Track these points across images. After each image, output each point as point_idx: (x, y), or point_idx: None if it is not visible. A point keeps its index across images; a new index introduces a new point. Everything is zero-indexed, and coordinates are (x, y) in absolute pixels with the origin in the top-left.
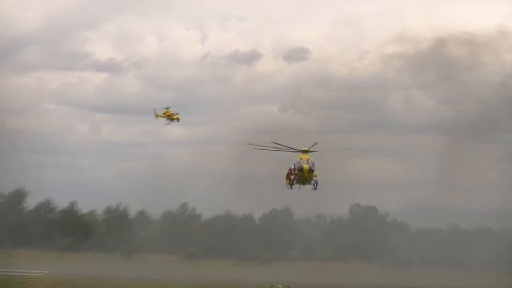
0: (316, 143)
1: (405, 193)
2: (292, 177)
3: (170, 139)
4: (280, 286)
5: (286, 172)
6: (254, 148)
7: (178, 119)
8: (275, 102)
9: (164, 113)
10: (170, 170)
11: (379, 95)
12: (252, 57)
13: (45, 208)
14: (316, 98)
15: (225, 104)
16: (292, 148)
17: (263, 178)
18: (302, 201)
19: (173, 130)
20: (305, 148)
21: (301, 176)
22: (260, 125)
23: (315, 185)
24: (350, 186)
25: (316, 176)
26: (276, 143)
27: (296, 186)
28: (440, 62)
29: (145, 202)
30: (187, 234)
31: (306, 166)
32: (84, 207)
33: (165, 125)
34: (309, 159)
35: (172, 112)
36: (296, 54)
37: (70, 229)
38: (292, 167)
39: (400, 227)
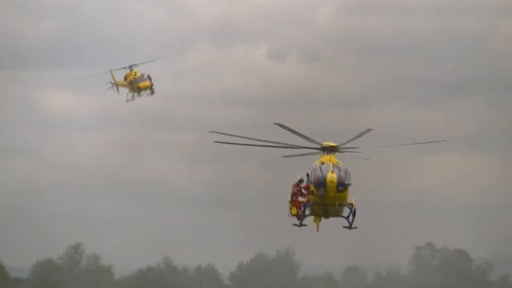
0: (369, 130)
1: None
2: (302, 201)
3: None
4: None
5: (289, 191)
6: (216, 142)
7: (150, 88)
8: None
9: (126, 78)
10: None
11: None
12: None
13: None
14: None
15: None
16: (308, 139)
17: (239, 201)
18: (314, 241)
19: None
20: (331, 144)
21: (321, 198)
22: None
23: (352, 218)
24: (407, 209)
25: (351, 200)
26: (282, 126)
27: (310, 221)
28: None
29: None
30: None
31: (332, 177)
32: None
33: (128, 100)
34: (338, 164)
35: (140, 75)
36: None
37: None
38: (300, 180)
39: None
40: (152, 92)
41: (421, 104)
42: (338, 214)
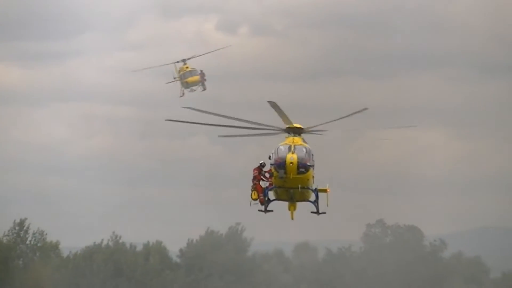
0: (365, 109)
1: (479, 197)
2: (265, 185)
3: None
4: None
5: (250, 175)
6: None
7: (200, 83)
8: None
9: (179, 72)
10: None
11: None
12: None
13: None
14: None
15: None
16: (271, 128)
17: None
18: (264, 218)
19: None
20: (296, 125)
21: (282, 180)
22: None
23: (317, 202)
24: (360, 185)
25: (315, 185)
26: (274, 105)
27: (277, 206)
28: None
29: None
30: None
31: (292, 157)
32: None
33: (180, 96)
34: (301, 145)
35: (189, 70)
36: None
37: None
38: (262, 165)
39: (470, 268)
40: (204, 88)
41: (376, 77)
42: (304, 198)
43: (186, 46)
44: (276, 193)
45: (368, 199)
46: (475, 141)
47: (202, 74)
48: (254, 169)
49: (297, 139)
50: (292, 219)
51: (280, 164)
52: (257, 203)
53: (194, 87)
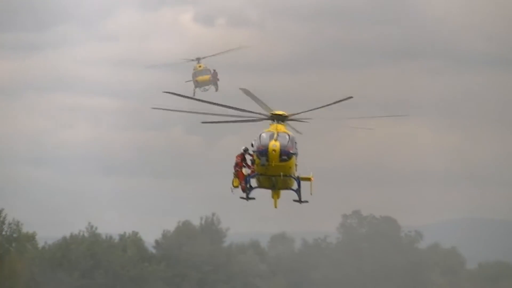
0: (350, 97)
1: (455, 188)
2: (247, 172)
3: None
4: None
5: (232, 161)
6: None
7: (212, 83)
8: None
9: (193, 70)
10: None
11: None
12: None
13: None
14: None
15: None
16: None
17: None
18: (240, 208)
19: None
20: (280, 112)
21: (264, 168)
22: None
23: (299, 190)
24: (339, 177)
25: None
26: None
27: (260, 194)
28: None
29: None
30: None
31: (274, 145)
32: None
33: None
34: (285, 132)
35: (201, 69)
36: None
37: None
38: (245, 150)
39: (446, 259)
40: (216, 88)
41: (353, 68)
42: (286, 186)
43: (163, 38)
44: (258, 181)
45: (344, 189)
46: (453, 133)
47: (214, 73)
48: (237, 156)
49: (281, 127)
50: (276, 207)
51: (262, 151)
52: (238, 191)
53: (206, 87)
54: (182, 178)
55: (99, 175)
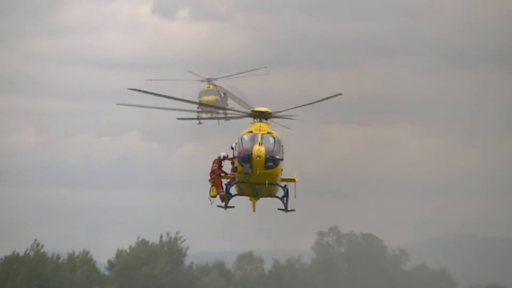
0: (339, 94)
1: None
2: (226, 179)
3: None
4: None
5: (209, 167)
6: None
7: (220, 104)
8: None
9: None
10: None
11: None
12: None
13: None
14: None
15: None
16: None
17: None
18: (203, 225)
19: None
20: (262, 109)
21: (248, 176)
22: None
23: (286, 199)
24: (313, 188)
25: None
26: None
27: (239, 203)
28: None
29: None
30: None
31: (259, 150)
32: None
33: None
34: (270, 133)
35: (208, 89)
36: None
37: None
38: (224, 157)
39: (435, 281)
40: (225, 117)
41: (327, 66)
42: (270, 194)
43: (119, 31)
44: (238, 188)
45: (320, 203)
46: (440, 140)
47: (223, 96)
48: (214, 162)
49: (264, 126)
50: (254, 211)
51: (245, 158)
52: (213, 199)
53: (212, 113)
54: (139, 190)
55: (46, 186)
